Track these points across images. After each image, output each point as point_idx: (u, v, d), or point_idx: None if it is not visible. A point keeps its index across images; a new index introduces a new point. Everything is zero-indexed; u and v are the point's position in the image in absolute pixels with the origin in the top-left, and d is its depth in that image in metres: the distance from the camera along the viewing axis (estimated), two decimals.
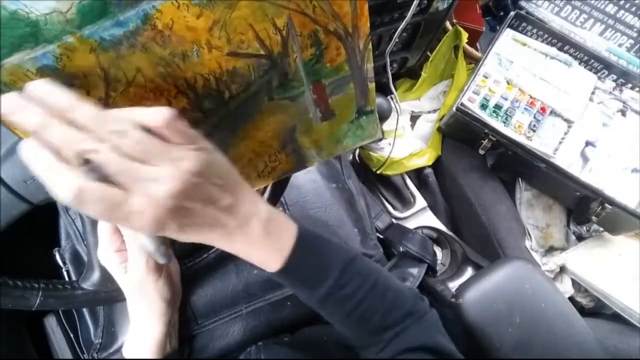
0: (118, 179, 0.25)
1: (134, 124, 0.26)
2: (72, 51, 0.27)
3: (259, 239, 0.33)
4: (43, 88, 0.25)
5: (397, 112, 0.84)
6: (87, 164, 0.25)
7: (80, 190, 0.24)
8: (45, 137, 0.24)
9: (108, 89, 0.30)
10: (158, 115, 0.26)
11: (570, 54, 0.93)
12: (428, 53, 1.00)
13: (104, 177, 0.25)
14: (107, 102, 0.30)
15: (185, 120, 0.28)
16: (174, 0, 0.27)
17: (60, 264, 0.60)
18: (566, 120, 0.86)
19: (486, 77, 0.89)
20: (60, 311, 0.68)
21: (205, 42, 0.30)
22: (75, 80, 0.28)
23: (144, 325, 0.45)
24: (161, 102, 0.32)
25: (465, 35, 0.96)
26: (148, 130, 0.26)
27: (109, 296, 0.47)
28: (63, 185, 0.24)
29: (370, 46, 0.36)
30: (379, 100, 0.81)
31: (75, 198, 0.24)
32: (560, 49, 0.94)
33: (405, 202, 1.01)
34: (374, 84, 0.40)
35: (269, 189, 0.48)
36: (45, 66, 0.27)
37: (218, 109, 0.35)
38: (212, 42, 0.30)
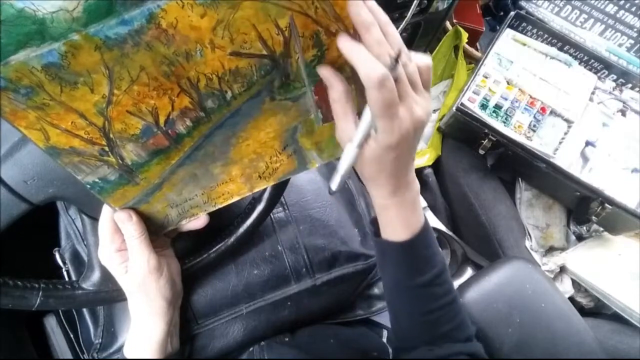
0: (398, 87, 0.31)
1: (414, 58, 0.33)
2: (77, 49, 0.27)
3: (409, 204, 0.39)
4: (376, 7, 0.32)
5: None
6: None
7: (385, 76, 0.30)
8: (368, 35, 0.31)
9: (112, 86, 0.30)
10: (428, 60, 0.34)
11: (570, 54, 0.93)
12: (428, 53, 1.00)
13: None
14: (110, 100, 0.31)
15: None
16: (179, 0, 0.27)
17: (60, 264, 0.60)
18: (566, 120, 0.86)
19: (486, 77, 0.89)
20: (60, 311, 0.68)
21: (209, 41, 0.30)
22: (79, 77, 0.29)
23: (145, 324, 0.45)
24: (164, 100, 0.32)
25: (465, 35, 0.96)
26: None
27: (109, 296, 0.47)
28: (376, 67, 0.30)
29: None
30: None
31: (380, 80, 0.30)
32: (560, 49, 0.94)
33: None
34: None
35: (269, 189, 0.49)
36: (50, 63, 0.27)
37: (220, 109, 0.35)
38: (216, 41, 0.30)
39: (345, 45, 0.32)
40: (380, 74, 0.29)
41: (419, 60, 0.34)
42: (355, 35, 0.33)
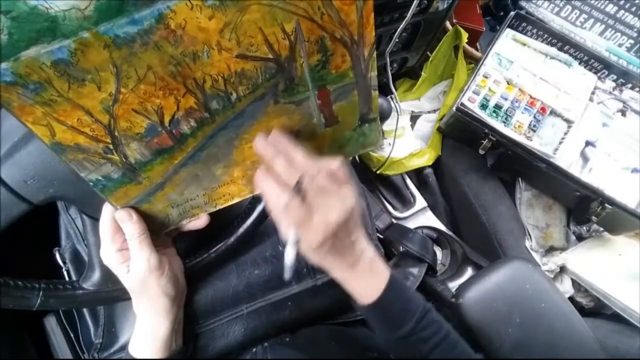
0: (310, 201, 0.36)
1: (323, 167, 0.37)
2: (87, 46, 0.27)
3: (365, 274, 0.42)
4: (279, 139, 0.37)
5: (397, 112, 0.84)
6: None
7: (287, 202, 0.35)
8: (274, 165, 0.36)
9: (119, 85, 0.30)
10: (336, 162, 0.38)
11: (570, 54, 0.93)
12: (428, 53, 1.00)
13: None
14: (117, 98, 0.31)
15: (346, 167, 0.38)
16: (188, 1, 0.28)
17: (61, 263, 0.60)
18: (566, 120, 0.86)
19: (486, 77, 0.89)
20: (60, 311, 0.68)
21: (216, 43, 0.31)
22: (87, 75, 0.29)
23: (149, 322, 0.45)
24: (170, 100, 0.33)
25: (465, 35, 0.96)
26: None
27: (110, 296, 0.47)
28: (279, 197, 0.35)
29: (374, 55, 0.36)
30: (379, 100, 0.81)
31: (284, 206, 0.35)
32: (560, 49, 0.94)
33: (405, 202, 1.01)
34: (377, 92, 0.40)
35: None
36: (60, 60, 0.27)
37: (225, 110, 0.35)
38: (223, 43, 0.31)
39: (257, 178, 0.38)
40: (283, 203, 0.35)
41: (329, 165, 0.37)
42: (360, 43, 0.35)
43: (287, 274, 0.41)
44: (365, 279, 0.42)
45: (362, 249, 0.42)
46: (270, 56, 0.33)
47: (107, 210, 0.40)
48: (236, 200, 0.45)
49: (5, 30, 0.25)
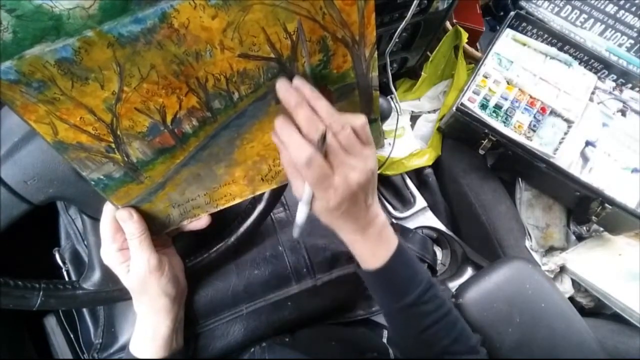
0: (331, 158, 0.34)
1: (347, 123, 0.35)
2: (91, 45, 0.28)
3: (374, 238, 0.41)
4: (302, 85, 0.34)
5: (397, 112, 0.84)
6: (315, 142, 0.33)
7: (311, 157, 0.33)
8: (296, 114, 0.34)
9: (122, 83, 0.30)
10: (360, 120, 0.36)
11: (570, 54, 0.93)
12: (428, 53, 1.00)
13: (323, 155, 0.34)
14: (119, 97, 0.31)
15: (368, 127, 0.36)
16: (191, 1, 0.28)
17: (60, 263, 0.60)
18: (566, 120, 0.86)
19: (486, 77, 0.89)
20: (60, 311, 0.68)
21: (219, 42, 0.31)
22: (90, 73, 0.29)
23: (150, 322, 0.45)
24: (172, 99, 0.33)
25: (465, 35, 0.96)
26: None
27: (110, 296, 0.47)
28: (301, 149, 0.33)
29: (375, 55, 0.36)
30: (379, 100, 0.81)
31: (306, 161, 0.33)
32: (560, 49, 0.94)
33: (405, 202, 1.01)
34: (378, 93, 0.40)
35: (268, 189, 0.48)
36: (63, 58, 0.28)
37: (227, 110, 0.35)
38: (225, 43, 0.31)
39: (278, 125, 0.35)
40: (306, 157, 0.33)
41: (354, 121, 0.35)
42: (361, 43, 0.35)
43: (296, 233, 0.41)
44: (374, 243, 0.41)
45: (376, 214, 0.41)
46: (272, 56, 0.33)
47: (107, 209, 0.40)
48: (237, 200, 0.45)
49: (10, 28, 0.25)
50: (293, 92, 0.34)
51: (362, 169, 0.35)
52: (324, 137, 0.33)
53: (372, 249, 0.42)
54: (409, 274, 0.43)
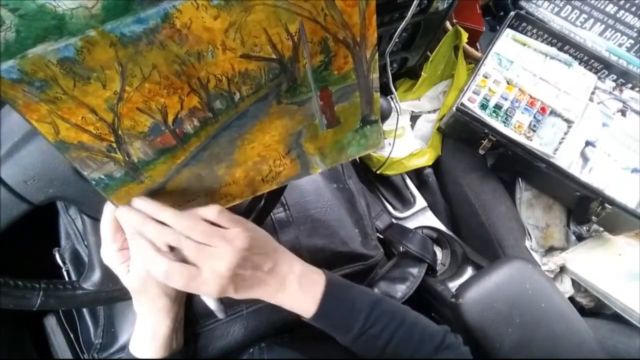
0: (192, 258, 0.36)
1: (198, 218, 0.37)
2: (93, 45, 0.28)
3: (295, 292, 0.42)
4: (142, 204, 0.37)
5: (397, 112, 0.84)
6: (172, 250, 0.36)
7: (168, 269, 0.35)
8: (144, 233, 0.36)
9: (124, 83, 0.31)
10: (212, 210, 0.38)
11: (570, 54, 0.93)
12: (428, 53, 1.00)
13: (183, 259, 0.36)
14: (121, 97, 0.31)
15: (229, 212, 0.39)
16: (194, 1, 0.28)
17: (60, 263, 0.60)
18: (566, 120, 0.86)
19: (486, 77, 0.89)
20: (60, 311, 0.68)
21: (221, 43, 0.31)
22: (92, 73, 0.29)
23: (150, 321, 0.45)
24: (174, 99, 0.33)
25: (465, 35, 0.96)
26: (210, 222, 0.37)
27: (110, 296, 0.47)
28: (157, 266, 0.35)
29: (376, 57, 0.36)
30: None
31: (165, 274, 0.35)
32: (560, 49, 0.94)
33: (405, 202, 1.01)
34: (379, 94, 0.40)
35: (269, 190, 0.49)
36: (66, 58, 0.28)
37: (228, 110, 0.35)
38: (227, 43, 0.31)
39: (131, 249, 0.39)
40: (163, 271, 0.35)
41: (205, 214, 0.38)
42: (362, 45, 0.35)
43: (220, 315, 0.44)
44: (298, 297, 0.42)
45: (285, 272, 0.42)
46: (274, 56, 0.33)
47: (108, 209, 0.40)
48: (237, 201, 0.45)
49: (13, 27, 0.25)
50: (134, 214, 0.37)
51: (228, 253, 0.36)
52: (171, 249, 0.36)
53: (298, 302, 0.42)
54: (345, 308, 0.43)
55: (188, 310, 0.52)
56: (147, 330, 0.45)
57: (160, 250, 0.36)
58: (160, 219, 0.36)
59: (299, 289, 0.42)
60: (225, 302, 0.54)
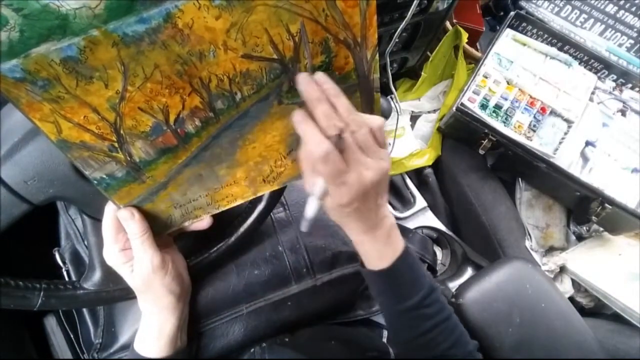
0: (347, 155, 0.35)
1: (365, 123, 0.35)
2: (96, 44, 0.28)
3: (382, 238, 0.41)
4: (324, 80, 0.34)
5: (397, 112, 0.84)
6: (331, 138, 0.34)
7: (328, 151, 0.33)
8: (315, 109, 0.34)
9: (126, 83, 0.31)
10: (379, 121, 0.37)
11: (570, 54, 0.93)
12: (428, 53, 1.00)
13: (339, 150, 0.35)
14: (123, 96, 0.31)
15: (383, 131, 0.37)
16: (196, 1, 0.28)
17: (60, 263, 0.60)
18: (566, 120, 0.87)
19: (486, 77, 0.89)
20: (60, 311, 0.68)
21: (222, 43, 0.31)
22: (95, 72, 0.29)
23: (155, 320, 0.45)
24: (175, 99, 0.33)
25: (465, 35, 0.96)
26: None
27: (111, 296, 0.47)
28: (319, 144, 0.33)
29: (377, 57, 0.36)
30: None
31: (323, 156, 0.33)
32: (560, 49, 0.94)
33: (405, 202, 1.01)
34: (379, 94, 0.40)
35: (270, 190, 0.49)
36: (68, 57, 0.28)
37: (229, 110, 0.35)
38: (229, 43, 0.31)
39: (297, 119, 0.36)
40: (323, 151, 0.33)
41: (371, 122, 0.36)
42: (363, 45, 0.35)
43: (304, 227, 0.40)
44: (381, 244, 0.42)
45: (384, 215, 0.41)
46: (275, 57, 0.33)
47: (109, 210, 0.40)
48: (239, 202, 0.45)
49: (17, 27, 0.25)
50: (314, 85, 0.34)
51: (377, 168, 0.36)
52: (341, 135, 0.34)
53: (379, 249, 0.42)
54: (412, 277, 0.43)
55: (190, 309, 0.52)
56: (152, 328, 0.45)
57: (325, 133, 0.34)
58: (335, 104, 0.34)
59: (385, 238, 0.42)
60: (226, 302, 0.54)
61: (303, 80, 0.34)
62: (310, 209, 0.38)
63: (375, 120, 0.37)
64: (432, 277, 0.45)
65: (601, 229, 0.93)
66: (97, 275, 0.45)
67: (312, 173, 0.37)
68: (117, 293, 0.47)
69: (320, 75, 0.34)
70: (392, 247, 0.42)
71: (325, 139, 0.33)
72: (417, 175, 1.05)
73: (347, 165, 0.35)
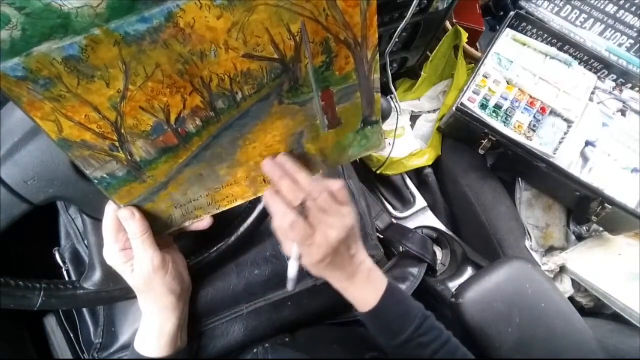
0: (312, 220, 0.39)
1: (325, 188, 0.39)
2: (97, 43, 0.28)
3: (362, 282, 0.44)
4: (285, 161, 0.40)
5: (397, 112, 0.84)
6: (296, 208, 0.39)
7: (293, 221, 0.38)
8: (280, 186, 0.39)
9: (127, 82, 0.31)
10: (338, 184, 0.41)
11: (570, 54, 0.93)
12: (428, 53, 1.00)
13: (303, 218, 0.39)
14: (125, 95, 0.31)
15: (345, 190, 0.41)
16: (197, 1, 0.28)
17: (60, 263, 0.60)
18: (566, 120, 0.86)
19: (486, 77, 0.89)
20: (60, 311, 0.68)
21: (223, 42, 0.31)
22: (97, 71, 0.29)
23: (156, 319, 0.45)
24: (177, 98, 0.33)
25: (465, 35, 0.96)
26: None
27: (111, 296, 0.47)
28: (285, 215, 0.38)
29: (377, 57, 0.36)
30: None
31: (290, 224, 0.38)
32: (560, 49, 0.94)
33: (405, 202, 1.01)
34: (380, 95, 0.40)
35: None
36: (70, 56, 0.28)
37: (230, 110, 0.35)
38: (230, 43, 0.31)
39: (265, 196, 0.41)
40: (289, 221, 0.38)
41: (331, 186, 0.40)
42: (363, 45, 0.35)
43: (290, 286, 0.45)
44: (363, 288, 0.45)
45: (361, 261, 0.44)
46: (276, 56, 0.33)
47: (110, 209, 0.40)
48: (239, 202, 0.45)
49: (19, 26, 0.25)
50: (277, 167, 0.40)
51: (340, 226, 0.40)
52: (303, 204, 0.39)
53: (362, 293, 0.45)
54: (401, 311, 0.45)
55: (190, 309, 0.52)
56: (153, 328, 0.45)
57: (290, 205, 0.39)
58: (296, 179, 0.39)
59: (366, 280, 0.45)
60: (226, 302, 0.54)
61: (267, 164, 0.41)
62: (292, 270, 0.43)
63: (334, 183, 0.41)
64: (423, 307, 0.47)
65: (601, 229, 0.93)
66: (97, 275, 0.46)
67: (287, 240, 0.42)
68: (117, 293, 0.47)
69: (281, 157, 0.41)
70: (374, 288, 0.45)
71: (290, 210, 0.38)
72: (417, 175, 1.05)
73: (314, 228, 0.39)
